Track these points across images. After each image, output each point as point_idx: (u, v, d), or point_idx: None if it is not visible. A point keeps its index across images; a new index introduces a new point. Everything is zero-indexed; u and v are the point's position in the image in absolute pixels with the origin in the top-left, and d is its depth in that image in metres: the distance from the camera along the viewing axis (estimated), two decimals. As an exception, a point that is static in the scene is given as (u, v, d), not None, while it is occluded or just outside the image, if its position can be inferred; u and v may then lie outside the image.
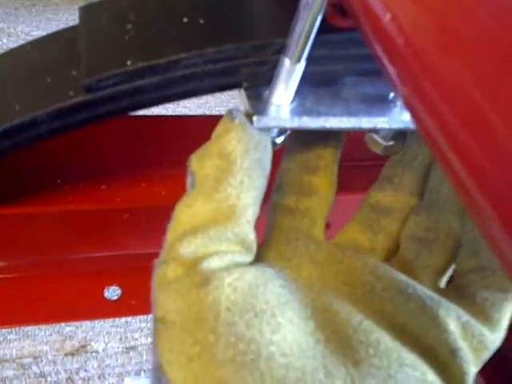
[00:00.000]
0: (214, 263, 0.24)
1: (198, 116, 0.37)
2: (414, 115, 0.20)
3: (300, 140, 0.32)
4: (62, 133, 0.29)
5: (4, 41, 0.82)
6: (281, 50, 0.27)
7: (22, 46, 0.33)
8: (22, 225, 0.35)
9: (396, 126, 0.29)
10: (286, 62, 0.27)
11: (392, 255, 0.30)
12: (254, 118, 0.27)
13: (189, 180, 0.27)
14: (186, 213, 0.26)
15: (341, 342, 0.23)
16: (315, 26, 0.25)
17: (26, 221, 0.35)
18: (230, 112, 0.26)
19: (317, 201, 0.30)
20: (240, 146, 0.25)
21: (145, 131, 0.37)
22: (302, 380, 0.21)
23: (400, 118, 0.29)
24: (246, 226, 0.25)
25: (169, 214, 0.35)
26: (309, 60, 0.26)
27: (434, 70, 0.18)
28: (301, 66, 0.27)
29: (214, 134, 0.26)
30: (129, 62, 0.28)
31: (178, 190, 0.38)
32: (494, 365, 0.28)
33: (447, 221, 0.28)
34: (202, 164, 0.26)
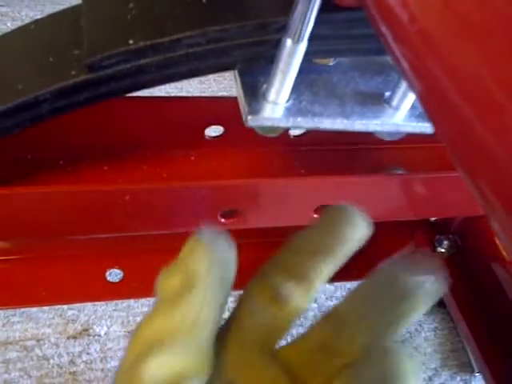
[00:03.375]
0: None
1: (200, 97, 0.36)
2: (418, 93, 0.20)
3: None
4: (64, 112, 0.29)
5: (8, 25, 0.82)
6: (283, 30, 0.26)
7: (26, 26, 0.33)
8: (24, 206, 0.35)
9: (388, 128, 0.30)
10: (288, 42, 0.26)
11: None
12: (249, 117, 0.27)
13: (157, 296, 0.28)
14: (148, 330, 0.26)
15: None
16: (317, 4, 0.24)
17: (27, 202, 0.35)
18: (196, 233, 0.28)
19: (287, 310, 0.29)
20: (203, 265, 0.27)
21: (147, 113, 0.37)
22: None
23: (392, 120, 0.30)
24: (206, 341, 0.26)
25: (170, 195, 0.35)
26: (312, 39, 0.26)
27: (438, 48, 0.18)
28: (303, 47, 0.26)
29: (181, 254, 0.28)
30: (131, 41, 0.28)
31: (179, 172, 0.38)
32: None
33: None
34: (166, 282, 0.27)
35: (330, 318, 0.29)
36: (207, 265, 0.27)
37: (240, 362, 0.29)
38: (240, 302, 0.30)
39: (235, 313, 0.30)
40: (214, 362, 0.27)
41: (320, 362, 0.29)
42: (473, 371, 0.69)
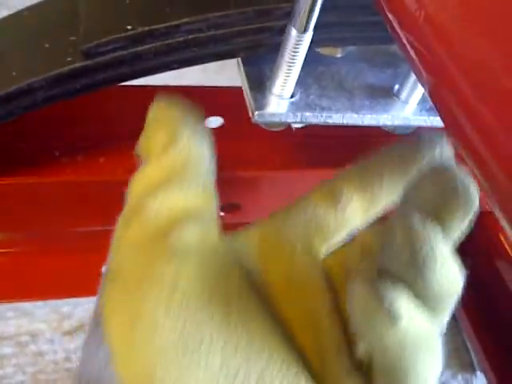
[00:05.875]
0: (184, 235, 0.24)
1: (199, 87, 0.36)
2: (425, 83, 0.19)
3: None
4: (59, 100, 0.29)
5: (4, 13, 0.81)
6: (286, 16, 0.26)
7: (20, 11, 0.32)
8: (18, 197, 0.34)
9: (398, 122, 0.29)
10: (293, 31, 0.25)
11: None
12: (256, 113, 0.27)
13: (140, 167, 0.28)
14: (143, 179, 0.26)
15: None
16: None
17: (22, 193, 0.34)
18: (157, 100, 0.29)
19: None
20: (178, 119, 0.27)
21: (145, 102, 0.36)
22: None
23: (403, 114, 0.29)
24: (204, 177, 0.26)
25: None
26: (317, 27, 0.25)
27: (445, 35, 0.17)
28: (308, 37, 0.26)
29: (148, 120, 0.29)
30: (129, 27, 0.27)
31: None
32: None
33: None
34: (147, 143, 0.28)
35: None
36: (182, 118, 0.27)
37: (274, 253, 0.26)
38: (295, 200, 0.28)
39: (285, 207, 0.28)
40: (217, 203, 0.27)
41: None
42: (474, 370, 0.69)
